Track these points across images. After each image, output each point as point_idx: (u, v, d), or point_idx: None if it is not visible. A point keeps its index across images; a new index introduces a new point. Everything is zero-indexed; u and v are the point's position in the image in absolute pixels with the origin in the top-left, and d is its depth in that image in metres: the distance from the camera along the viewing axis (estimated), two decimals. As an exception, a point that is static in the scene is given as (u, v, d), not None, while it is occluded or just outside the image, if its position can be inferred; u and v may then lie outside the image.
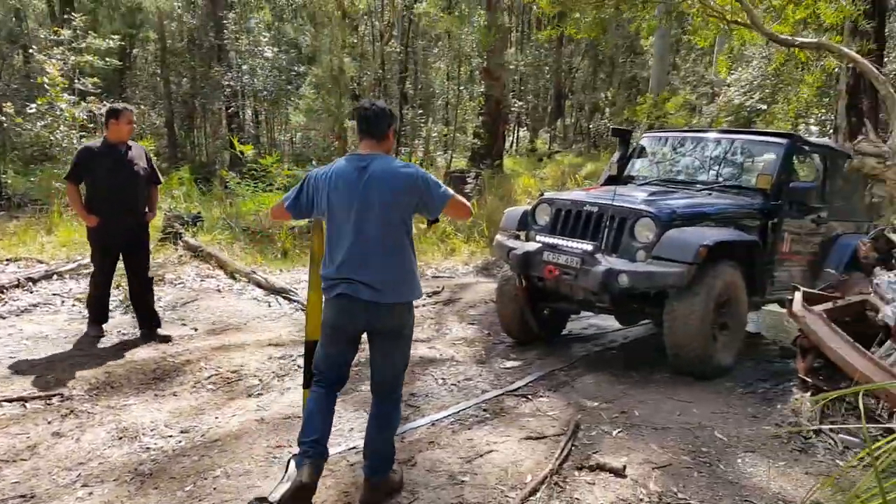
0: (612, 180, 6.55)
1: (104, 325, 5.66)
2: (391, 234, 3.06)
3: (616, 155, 6.90)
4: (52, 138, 10.25)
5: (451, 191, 3.20)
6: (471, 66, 18.15)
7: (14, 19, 20.71)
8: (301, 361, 5.27)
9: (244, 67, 17.25)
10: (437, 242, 10.43)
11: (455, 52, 17.30)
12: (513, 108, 24.47)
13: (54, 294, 6.68)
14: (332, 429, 4.04)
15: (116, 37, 12.26)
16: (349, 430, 4.01)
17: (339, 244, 3.08)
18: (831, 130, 13.17)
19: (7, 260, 7.68)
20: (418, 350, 5.56)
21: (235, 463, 3.58)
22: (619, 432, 4.06)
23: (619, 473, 3.49)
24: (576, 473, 3.53)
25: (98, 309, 5.60)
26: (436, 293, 7.76)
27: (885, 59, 13.60)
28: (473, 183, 13.11)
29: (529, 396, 4.65)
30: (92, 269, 5.60)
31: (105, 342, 5.49)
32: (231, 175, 11.10)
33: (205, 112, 22.58)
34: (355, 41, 15.82)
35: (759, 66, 16.29)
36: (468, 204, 3.32)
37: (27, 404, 4.25)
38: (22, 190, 12.11)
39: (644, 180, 6.43)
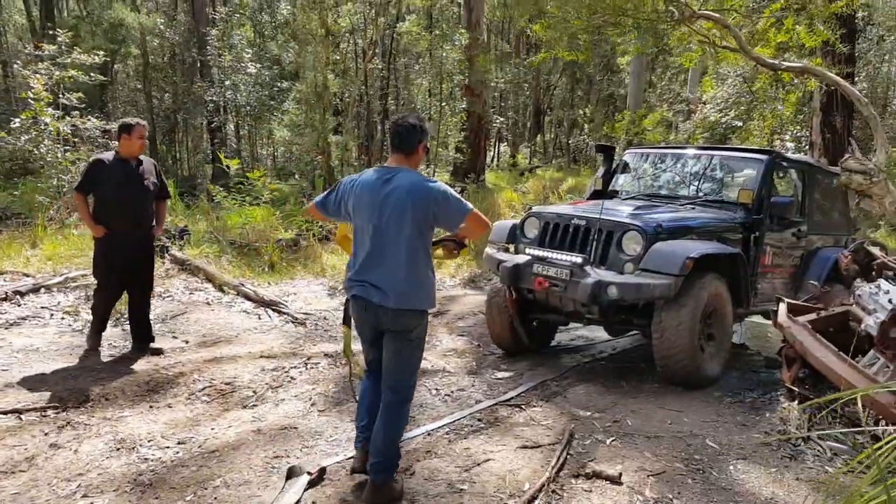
0: (597, 195, 6.67)
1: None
2: (406, 244, 3.18)
3: (601, 170, 7.01)
4: (36, 152, 10.17)
5: (470, 205, 3.29)
6: (452, 83, 18.33)
7: (-7, 35, 20.58)
8: (294, 373, 5.33)
9: (227, 83, 17.26)
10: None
11: (437, 69, 17.46)
12: (494, 124, 24.71)
13: (42, 307, 6.63)
14: (331, 439, 4.11)
15: (101, 52, 12.19)
16: (346, 440, 4.04)
17: (360, 249, 3.29)
18: (807, 146, 13.48)
19: (-8, 274, 7.60)
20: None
21: (234, 473, 3.60)
22: (612, 441, 4.14)
23: (615, 481, 3.57)
24: (573, 481, 3.60)
25: (101, 322, 5.57)
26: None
27: (856, 79, 14.01)
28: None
29: (523, 406, 4.71)
30: (96, 283, 5.56)
31: (96, 354, 5.47)
32: (217, 189, 11.08)
33: (186, 127, 22.53)
34: (338, 58, 15.90)
35: (733, 84, 16.63)
36: (486, 219, 3.41)
37: (22, 416, 4.22)
38: (4, 204, 11.98)
39: (628, 195, 6.56)
